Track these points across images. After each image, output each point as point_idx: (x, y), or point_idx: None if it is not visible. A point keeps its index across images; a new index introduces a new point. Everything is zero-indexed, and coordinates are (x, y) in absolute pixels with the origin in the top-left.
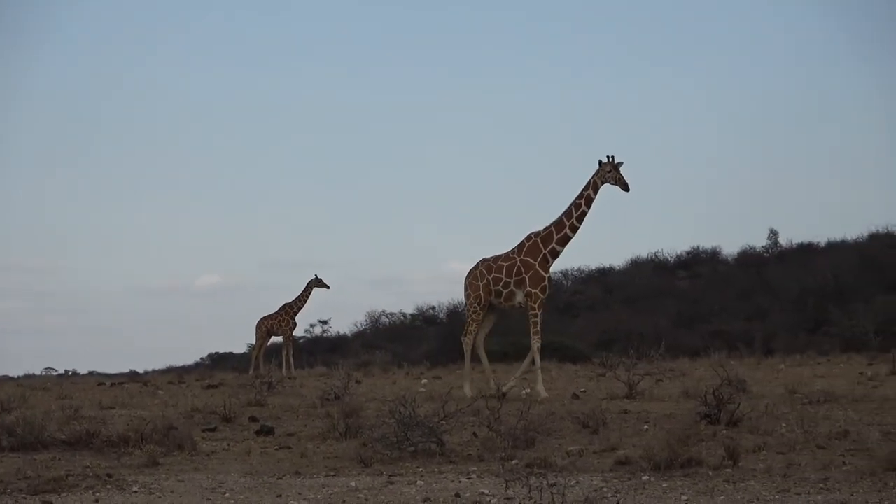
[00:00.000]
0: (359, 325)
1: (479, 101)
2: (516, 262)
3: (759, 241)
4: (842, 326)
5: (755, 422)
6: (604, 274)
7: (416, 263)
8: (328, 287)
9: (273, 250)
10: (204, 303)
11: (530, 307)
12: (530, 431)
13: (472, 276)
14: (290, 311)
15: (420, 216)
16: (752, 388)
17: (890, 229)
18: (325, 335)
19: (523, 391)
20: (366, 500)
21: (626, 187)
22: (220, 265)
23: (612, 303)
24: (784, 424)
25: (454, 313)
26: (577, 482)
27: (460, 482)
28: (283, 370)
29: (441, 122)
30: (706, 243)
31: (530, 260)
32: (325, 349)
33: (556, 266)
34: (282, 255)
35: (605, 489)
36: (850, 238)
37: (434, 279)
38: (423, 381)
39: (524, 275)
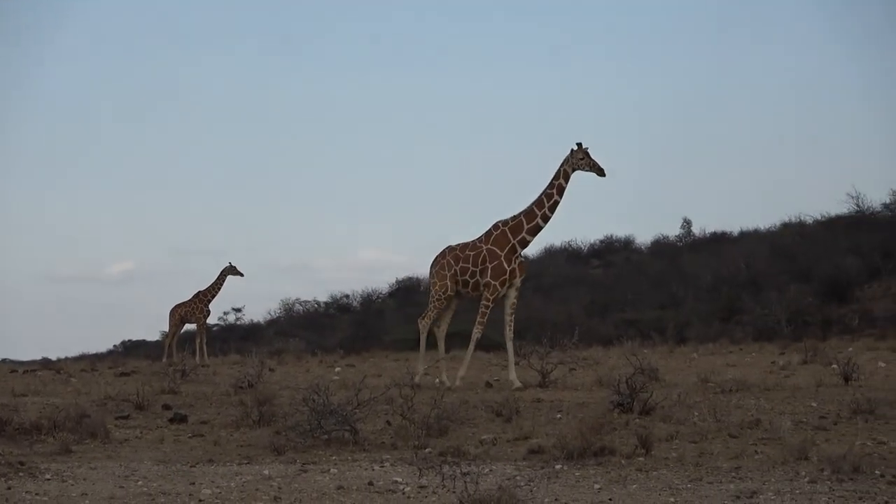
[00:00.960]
0: (272, 313)
1: (392, 89)
2: (482, 250)
3: (673, 230)
4: (754, 315)
5: (668, 410)
6: None
7: (327, 251)
8: (242, 275)
9: (184, 237)
10: (116, 290)
11: (485, 296)
12: (443, 420)
13: (440, 266)
14: (203, 298)
15: (331, 204)
16: (664, 376)
17: (802, 219)
18: (238, 323)
19: (436, 380)
20: (279, 487)
21: (601, 173)
22: (132, 252)
23: (526, 291)
24: (696, 413)
25: (367, 301)
26: (491, 470)
27: (374, 470)
28: (197, 358)
29: (354, 109)
30: (620, 232)
31: (497, 250)
32: (238, 337)
33: None
34: (193, 242)
35: (518, 477)
36: (762, 227)
37: (345, 267)
38: (337, 369)
39: (488, 264)
